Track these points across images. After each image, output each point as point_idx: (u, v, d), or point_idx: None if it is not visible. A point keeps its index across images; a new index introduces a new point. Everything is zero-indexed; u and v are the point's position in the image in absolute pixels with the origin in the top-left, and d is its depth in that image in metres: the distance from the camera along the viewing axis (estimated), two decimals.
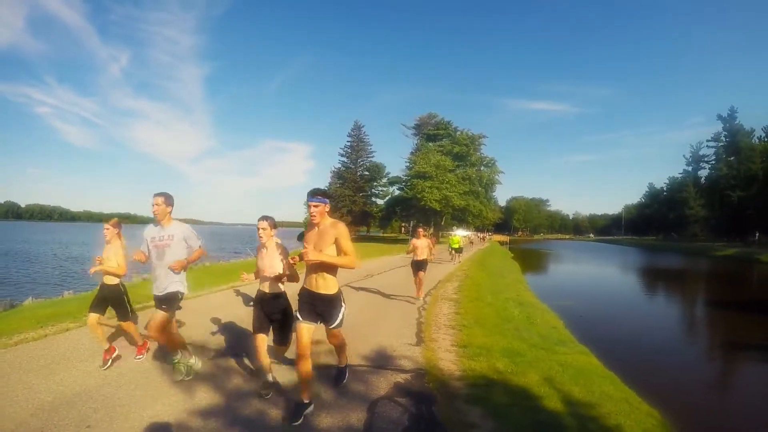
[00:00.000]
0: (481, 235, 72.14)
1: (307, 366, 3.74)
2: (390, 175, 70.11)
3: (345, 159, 73.31)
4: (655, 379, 7.93)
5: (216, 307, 8.79)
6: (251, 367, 5.11)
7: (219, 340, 6.19)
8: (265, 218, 4.38)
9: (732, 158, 74.11)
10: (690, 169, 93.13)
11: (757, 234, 64.03)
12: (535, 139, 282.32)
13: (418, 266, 10.64)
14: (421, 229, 11.34)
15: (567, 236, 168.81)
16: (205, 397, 4.21)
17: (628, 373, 6.88)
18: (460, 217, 61.92)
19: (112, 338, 5.85)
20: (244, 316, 7.88)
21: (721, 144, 79.41)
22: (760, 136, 73.93)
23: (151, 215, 4.56)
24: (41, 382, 4.40)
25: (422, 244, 10.64)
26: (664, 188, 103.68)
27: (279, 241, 4.49)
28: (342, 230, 3.71)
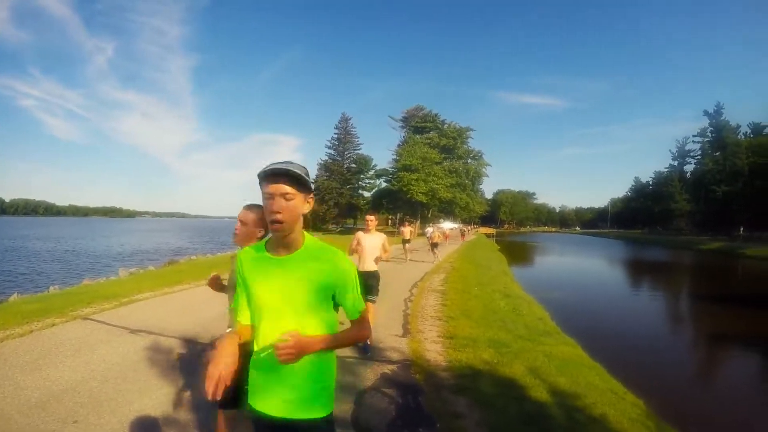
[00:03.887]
0: (463, 227, 55.84)
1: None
2: (377, 168, 70.06)
3: (332, 151, 73.11)
4: (640, 370, 8.08)
5: (204, 301, 8.76)
6: None
7: (207, 334, 6.18)
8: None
9: (717, 153, 75.05)
10: (676, 163, 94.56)
11: (742, 229, 65.11)
12: (522, 133, 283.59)
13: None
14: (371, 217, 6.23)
15: (553, 229, 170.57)
16: (192, 390, 4.21)
17: (613, 364, 7.00)
18: (447, 210, 62.20)
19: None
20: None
21: (707, 139, 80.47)
22: (746, 132, 75.20)
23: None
24: (27, 378, 4.37)
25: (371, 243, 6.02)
26: (650, 182, 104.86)
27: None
28: None
